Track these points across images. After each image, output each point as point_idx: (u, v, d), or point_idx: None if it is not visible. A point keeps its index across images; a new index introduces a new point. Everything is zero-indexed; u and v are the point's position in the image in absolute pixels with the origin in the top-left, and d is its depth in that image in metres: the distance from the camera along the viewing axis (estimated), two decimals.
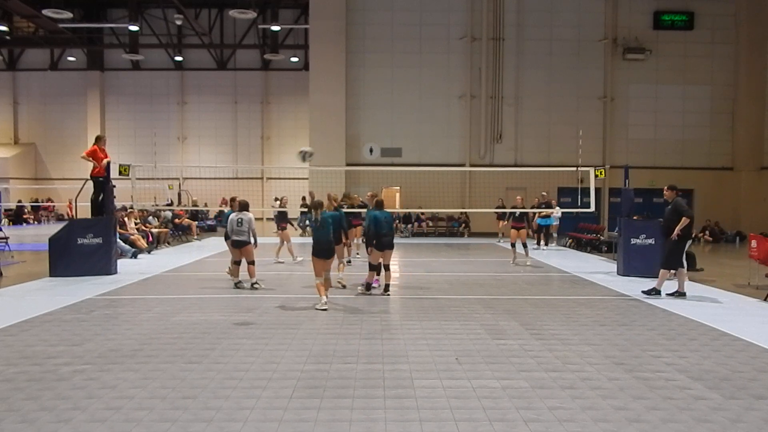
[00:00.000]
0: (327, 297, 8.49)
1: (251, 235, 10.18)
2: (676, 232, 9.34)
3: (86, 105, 34.52)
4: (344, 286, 10.21)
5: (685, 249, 9.58)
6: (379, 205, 9.75)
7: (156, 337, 6.73)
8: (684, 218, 9.32)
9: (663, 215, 10.05)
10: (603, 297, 9.70)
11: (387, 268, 9.63)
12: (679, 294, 9.49)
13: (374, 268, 9.65)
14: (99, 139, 12.37)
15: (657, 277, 9.68)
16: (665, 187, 9.96)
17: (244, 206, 10.26)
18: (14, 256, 14.79)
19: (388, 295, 9.50)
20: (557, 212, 18.71)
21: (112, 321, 7.61)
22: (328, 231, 8.67)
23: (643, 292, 9.76)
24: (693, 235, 10.88)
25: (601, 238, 18.26)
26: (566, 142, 22.20)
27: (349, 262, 13.16)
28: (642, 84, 24.15)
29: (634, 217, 13.14)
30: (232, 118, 34.95)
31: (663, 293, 9.59)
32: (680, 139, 24.31)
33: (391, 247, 9.55)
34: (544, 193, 18.85)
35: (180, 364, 5.66)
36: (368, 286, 9.69)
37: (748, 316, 8.26)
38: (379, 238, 9.43)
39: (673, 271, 9.87)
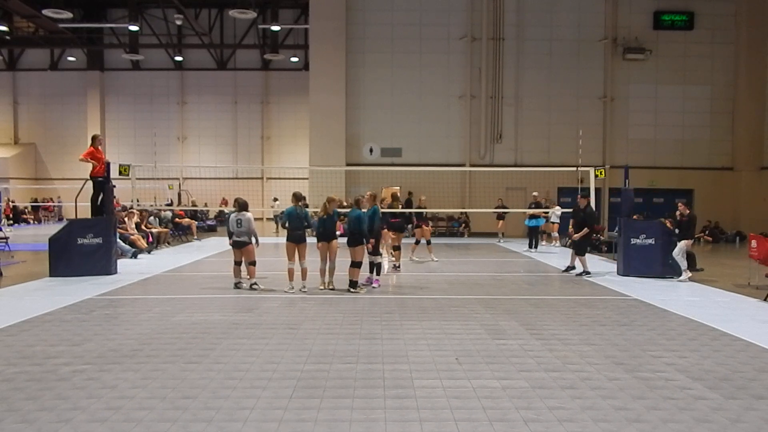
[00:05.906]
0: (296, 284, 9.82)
1: (251, 235, 10.20)
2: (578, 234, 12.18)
3: (86, 105, 34.49)
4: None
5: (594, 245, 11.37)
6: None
7: (156, 337, 6.73)
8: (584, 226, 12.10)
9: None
10: (603, 297, 9.70)
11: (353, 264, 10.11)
12: (586, 273, 11.92)
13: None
14: (95, 139, 12.40)
15: (656, 277, 9.88)
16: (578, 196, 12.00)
17: (243, 206, 10.24)
18: (14, 256, 14.79)
19: (350, 291, 9.81)
20: (557, 211, 18.71)
21: (112, 321, 7.61)
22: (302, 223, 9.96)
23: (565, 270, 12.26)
24: (693, 236, 11.09)
25: (601, 238, 18.25)
26: (566, 142, 22.17)
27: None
28: (642, 84, 24.10)
29: (634, 217, 13.16)
30: (232, 118, 34.94)
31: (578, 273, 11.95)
32: (680, 139, 24.26)
33: (349, 243, 9.95)
34: (535, 194, 18.83)
35: (180, 364, 5.66)
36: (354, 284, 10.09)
37: (748, 316, 8.26)
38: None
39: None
